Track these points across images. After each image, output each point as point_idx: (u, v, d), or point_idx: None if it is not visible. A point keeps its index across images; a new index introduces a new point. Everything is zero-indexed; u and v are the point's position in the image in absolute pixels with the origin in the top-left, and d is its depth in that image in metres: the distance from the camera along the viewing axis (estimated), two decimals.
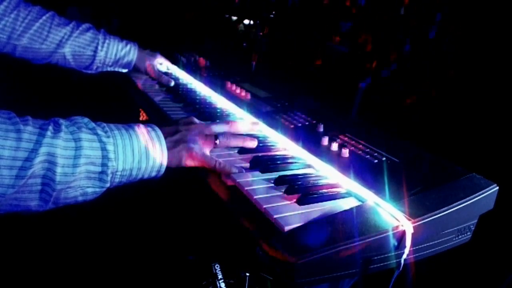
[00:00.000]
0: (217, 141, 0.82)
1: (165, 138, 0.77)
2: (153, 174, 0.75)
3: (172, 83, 1.39)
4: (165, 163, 0.75)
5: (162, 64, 1.51)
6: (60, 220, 1.27)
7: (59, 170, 0.62)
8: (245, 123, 0.93)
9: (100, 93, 2.06)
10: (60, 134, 0.64)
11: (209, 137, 0.83)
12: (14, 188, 0.59)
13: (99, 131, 0.70)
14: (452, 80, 0.99)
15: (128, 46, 1.36)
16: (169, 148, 0.76)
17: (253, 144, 0.87)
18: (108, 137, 0.70)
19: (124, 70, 1.43)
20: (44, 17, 1.18)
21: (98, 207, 1.33)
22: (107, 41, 1.31)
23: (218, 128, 0.86)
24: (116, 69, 1.41)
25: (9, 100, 1.20)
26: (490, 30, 0.94)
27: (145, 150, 0.73)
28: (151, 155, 0.73)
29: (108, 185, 0.70)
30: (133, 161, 0.71)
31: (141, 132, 0.74)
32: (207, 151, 0.82)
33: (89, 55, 1.29)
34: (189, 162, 0.79)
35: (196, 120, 0.85)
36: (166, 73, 1.49)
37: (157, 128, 0.77)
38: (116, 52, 1.33)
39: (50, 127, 0.64)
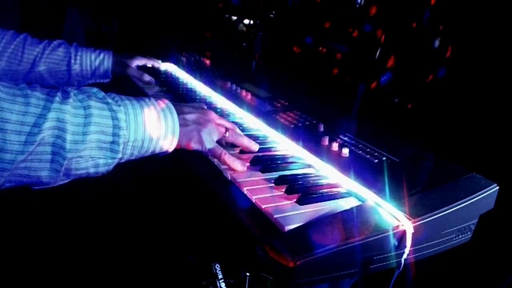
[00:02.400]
0: (227, 134, 0.82)
1: (178, 114, 0.75)
2: (165, 147, 0.73)
3: (153, 81, 1.40)
4: (176, 137, 0.73)
5: (143, 63, 1.48)
6: (60, 219, 1.27)
7: (69, 137, 0.60)
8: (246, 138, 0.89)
9: None
10: (69, 100, 0.62)
11: (220, 126, 0.82)
12: (24, 155, 0.57)
13: (109, 100, 0.67)
14: (452, 80, 0.99)
15: (102, 55, 1.34)
16: (181, 125, 0.74)
17: (256, 147, 0.87)
18: (119, 105, 0.67)
19: (106, 81, 1.39)
20: (18, 39, 1.20)
21: (98, 206, 1.33)
22: (79, 53, 1.30)
23: (227, 123, 0.85)
24: (98, 81, 1.38)
25: None
26: (491, 31, 0.94)
27: (157, 121, 0.70)
28: (163, 127, 0.71)
29: (120, 155, 0.67)
30: (145, 131, 0.69)
31: (153, 103, 0.72)
32: (215, 138, 0.81)
33: (64, 70, 1.29)
34: (197, 145, 0.78)
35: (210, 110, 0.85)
36: (152, 68, 1.47)
37: (168, 102, 0.75)
38: (91, 63, 1.32)
39: (59, 93, 0.62)
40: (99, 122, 0.64)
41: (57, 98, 0.61)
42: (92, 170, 0.66)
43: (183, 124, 0.75)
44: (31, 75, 1.24)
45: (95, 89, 0.69)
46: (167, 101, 0.76)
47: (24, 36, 1.22)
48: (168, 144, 0.73)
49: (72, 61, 1.28)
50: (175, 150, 0.77)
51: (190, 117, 0.77)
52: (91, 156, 0.64)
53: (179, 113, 0.76)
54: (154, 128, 0.70)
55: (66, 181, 0.65)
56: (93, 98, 0.66)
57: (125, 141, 0.67)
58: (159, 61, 1.52)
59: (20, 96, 0.57)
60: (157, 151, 0.73)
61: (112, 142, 0.66)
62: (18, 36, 1.20)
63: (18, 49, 1.19)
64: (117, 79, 1.40)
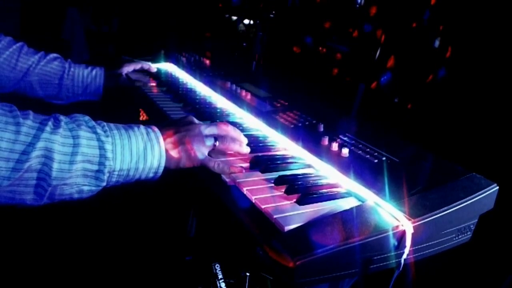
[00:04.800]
0: (216, 143, 0.82)
1: (165, 139, 0.77)
2: (151, 175, 0.75)
3: (149, 82, 1.41)
4: (163, 164, 0.75)
5: (132, 68, 1.45)
6: (58, 221, 1.27)
7: (55, 165, 0.63)
8: (241, 136, 0.89)
9: None
10: (59, 130, 0.65)
11: (208, 138, 0.82)
12: (10, 180, 0.59)
13: (99, 130, 0.70)
14: (452, 80, 0.99)
15: (94, 72, 1.34)
16: (167, 150, 0.76)
17: (246, 150, 0.86)
18: (107, 136, 0.70)
19: (95, 99, 1.38)
20: (14, 46, 1.20)
21: (96, 207, 1.33)
22: (72, 69, 1.30)
23: (217, 130, 0.84)
24: (88, 98, 1.37)
25: (11, 96, 1.21)
26: (490, 31, 0.94)
27: (143, 151, 0.73)
28: (149, 157, 0.73)
29: (104, 184, 0.70)
30: (130, 161, 0.71)
31: (141, 133, 0.74)
32: (205, 152, 0.81)
33: (56, 84, 1.29)
34: (188, 163, 0.79)
35: (196, 120, 0.84)
36: (142, 69, 1.47)
37: (157, 130, 0.77)
38: (83, 79, 1.32)
39: (50, 123, 0.64)
40: (87, 152, 0.67)
41: (47, 128, 0.63)
42: (76, 196, 0.68)
43: (169, 148, 0.77)
44: (21, 83, 1.24)
45: (86, 118, 0.72)
46: (156, 129, 0.77)
47: (21, 45, 1.23)
48: (154, 172, 0.75)
49: (65, 75, 1.29)
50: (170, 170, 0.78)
51: (175, 139, 0.78)
52: (76, 183, 0.67)
53: (165, 137, 0.77)
54: (141, 158, 0.73)
55: (49, 203, 0.67)
56: (83, 127, 0.68)
57: (111, 171, 0.70)
58: (149, 63, 1.51)
59: (11, 124, 0.60)
60: (143, 178, 0.75)
61: (98, 171, 0.68)
62: (15, 44, 1.21)
63: (13, 56, 1.20)
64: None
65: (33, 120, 0.63)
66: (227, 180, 0.77)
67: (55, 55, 1.29)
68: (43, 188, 0.63)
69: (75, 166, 0.65)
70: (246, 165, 0.82)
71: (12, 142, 0.59)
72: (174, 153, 0.77)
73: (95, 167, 0.68)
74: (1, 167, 0.58)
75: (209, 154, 0.81)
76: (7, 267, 1.15)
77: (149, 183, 0.78)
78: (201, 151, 0.79)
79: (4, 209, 0.64)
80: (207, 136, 0.82)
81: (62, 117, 0.68)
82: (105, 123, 0.73)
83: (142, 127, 0.76)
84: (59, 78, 1.29)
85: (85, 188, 0.68)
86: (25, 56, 1.22)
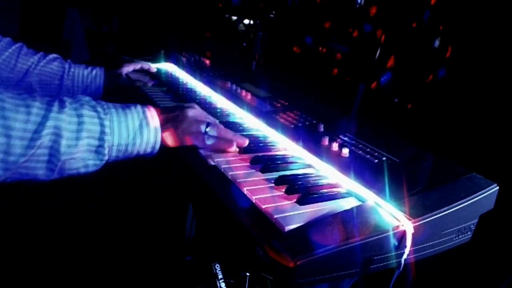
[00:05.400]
0: (208, 128, 0.85)
1: (161, 117, 0.82)
2: (149, 150, 0.81)
3: (150, 82, 1.41)
4: (158, 140, 0.81)
5: (132, 68, 1.46)
6: (58, 220, 1.27)
7: (64, 142, 0.69)
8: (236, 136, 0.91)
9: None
10: (65, 109, 0.71)
11: (200, 122, 0.85)
12: (25, 157, 0.66)
13: (99, 109, 0.76)
14: (452, 80, 0.99)
15: (94, 72, 1.34)
16: (162, 126, 0.82)
17: (243, 142, 0.88)
18: (106, 114, 0.76)
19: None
20: (13, 47, 1.20)
21: (96, 207, 1.33)
22: (72, 69, 1.30)
23: (210, 119, 0.89)
24: None
25: None
26: (490, 31, 0.94)
27: (139, 127, 0.79)
28: (145, 132, 0.79)
29: (106, 157, 0.76)
30: (128, 136, 0.78)
31: (137, 111, 0.81)
32: (198, 128, 0.84)
33: (56, 84, 1.29)
34: (177, 142, 0.83)
35: (197, 107, 0.89)
36: (142, 69, 1.47)
37: (152, 109, 0.83)
38: (83, 79, 1.32)
39: (56, 103, 0.71)
40: (90, 129, 0.73)
41: (54, 108, 0.69)
42: (82, 170, 0.75)
43: (163, 125, 0.82)
44: (21, 84, 1.23)
45: (87, 98, 0.78)
46: (152, 108, 0.83)
47: (20, 45, 1.22)
48: (151, 147, 0.81)
49: (65, 76, 1.28)
50: (168, 149, 0.84)
51: (170, 116, 0.84)
52: (82, 158, 0.73)
53: (162, 115, 0.83)
54: (137, 134, 0.79)
55: (59, 178, 0.74)
56: (85, 106, 0.75)
57: (110, 145, 0.76)
58: (149, 63, 1.51)
59: (22, 106, 0.66)
60: (142, 153, 0.81)
61: (99, 146, 0.75)
62: (14, 44, 1.21)
63: (12, 57, 1.20)
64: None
65: (41, 102, 0.69)
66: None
67: (54, 55, 1.29)
68: (54, 163, 0.70)
69: (81, 142, 0.71)
70: (246, 164, 0.82)
71: (24, 122, 0.65)
72: (167, 130, 0.82)
73: (97, 142, 0.74)
74: (16, 145, 0.64)
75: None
76: (3, 264, 1.15)
77: (150, 184, 0.79)
78: (190, 130, 0.83)
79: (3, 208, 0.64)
80: (199, 120, 0.86)
81: (66, 98, 0.74)
82: (104, 102, 0.79)
83: (139, 106, 0.82)
84: (59, 79, 1.28)
85: (90, 162, 0.75)
86: (24, 57, 1.22)
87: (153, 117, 0.81)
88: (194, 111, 0.87)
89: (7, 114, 0.64)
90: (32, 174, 0.69)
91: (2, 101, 0.64)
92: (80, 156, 0.72)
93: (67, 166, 0.72)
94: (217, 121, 0.92)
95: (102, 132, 0.74)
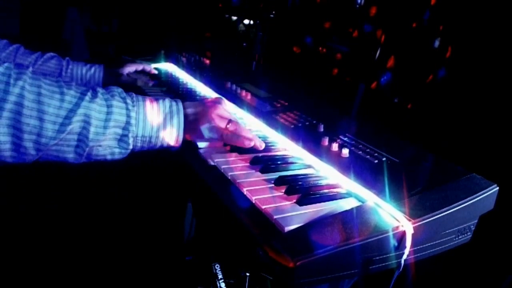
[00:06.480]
0: (229, 125, 0.87)
1: (186, 111, 0.85)
2: (172, 143, 0.84)
3: (150, 82, 1.42)
4: (181, 135, 0.84)
5: (134, 69, 1.45)
6: (58, 220, 1.27)
7: (92, 129, 0.74)
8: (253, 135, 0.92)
9: None
10: (96, 99, 0.75)
11: (221, 118, 0.88)
12: (55, 140, 0.70)
13: (128, 100, 0.80)
14: (452, 80, 0.99)
15: (93, 69, 1.33)
16: (186, 121, 0.85)
17: (260, 144, 0.88)
18: (134, 106, 0.80)
19: None
20: (10, 48, 1.21)
21: (96, 207, 1.33)
22: (70, 66, 1.30)
23: (231, 117, 0.90)
24: None
25: None
26: (490, 31, 0.94)
27: (163, 122, 0.83)
28: (168, 127, 0.83)
29: (131, 147, 0.80)
30: (151, 129, 0.81)
31: (164, 105, 0.84)
32: (213, 129, 0.86)
33: None
34: (197, 136, 0.86)
35: (223, 102, 0.91)
36: (143, 71, 1.46)
37: (180, 103, 0.86)
38: (81, 77, 1.31)
39: (89, 93, 0.75)
40: (117, 119, 0.77)
41: (86, 97, 0.74)
42: (109, 157, 0.79)
43: (188, 120, 0.85)
44: None
45: (120, 89, 0.82)
46: (179, 102, 0.86)
47: (17, 46, 1.23)
48: (174, 141, 0.84)
49: (63, 73, 1.28)
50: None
51: (195, 111, 0.87)
52: (108, 146, 0.78)
53: (187, 109, 0.86)
54: (161, 127, 0.82)
55: (87, 162, 0.78)
56: (116, 97, 0.79)
57: (134, 136, 0.80)
58: (151, 65, 1.51)
59: (57, 93, 0.71)
60: (165, 145, 0.84)
61: (123, 135, 0.78)
62: (11, 46, 1.21)
63: (9, 58, 1.20)
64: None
65: (75, 90, 0.74)
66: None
67: (51, 54, 1.29)
68: (82, 149, 0.74)
69: (108, 130, 0.76)
70: (246, 165, 0.82)
71: (57, 108, 0.70)
72: (189, 126, 0.85)
73: (122, 132, 0.78)
74: (48, 128, 0.69)
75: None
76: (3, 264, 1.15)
77: (149, 182, 0.79)
78: (211, 125, 0.86)
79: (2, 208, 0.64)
80: (221, 116, 0.88)
81: (99, 89, 0.78)
82: (134, 95, 0.83)
83: (167, 100, 0.85)
84: (57, 76, 1.29)
85: (116, 150, 0.79)
86: (21, 57, 1.23)
87: (179, 111, 0.84)
88: (219, 107, 0.89)
89: (42, 99, 0.69)
90: (62, 157, 0.74)
91: (39, 87, 0.69)
92: (106, 144, 0.77)
93: (95, 152, 0.76)
94: (238, 119, 0.93)
95: (128, 123, 0.78)
